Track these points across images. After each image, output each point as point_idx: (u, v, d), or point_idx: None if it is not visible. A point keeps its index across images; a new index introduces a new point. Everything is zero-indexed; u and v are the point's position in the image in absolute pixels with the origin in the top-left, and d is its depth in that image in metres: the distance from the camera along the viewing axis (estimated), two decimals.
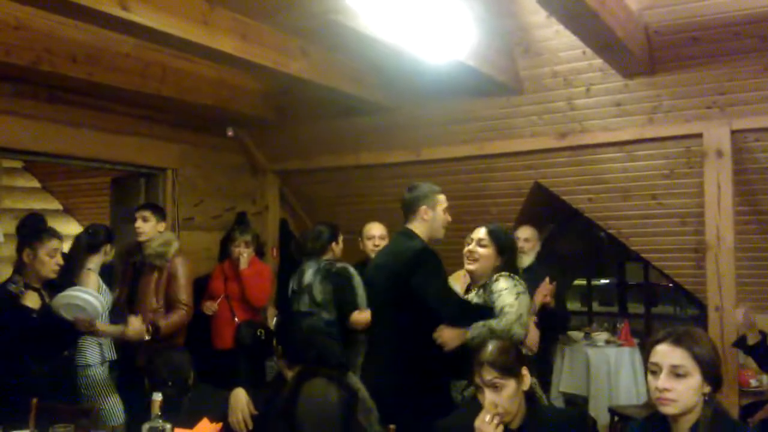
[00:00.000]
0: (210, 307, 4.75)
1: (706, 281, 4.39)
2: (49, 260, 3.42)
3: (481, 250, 3.12)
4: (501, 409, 2.18)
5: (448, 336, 2.95)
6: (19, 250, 3.48)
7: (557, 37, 4.30)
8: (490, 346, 2.31)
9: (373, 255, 4.25)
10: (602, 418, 5.07)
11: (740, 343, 3.60)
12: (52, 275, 3.47)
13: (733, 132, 4.21)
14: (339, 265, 4.34)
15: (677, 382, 1.92)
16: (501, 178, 5.24)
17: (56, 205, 7.64)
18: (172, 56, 4.66)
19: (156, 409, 2.31)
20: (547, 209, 5.62)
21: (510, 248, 3.18)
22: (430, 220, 3.19)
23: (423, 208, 3.19)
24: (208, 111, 5.41)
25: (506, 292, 2.98)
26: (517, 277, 3.09)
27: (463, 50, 3.87)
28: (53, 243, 3.45)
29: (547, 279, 3.58)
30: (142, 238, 3.99)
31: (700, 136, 4.32)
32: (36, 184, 7.54)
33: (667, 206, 4.78)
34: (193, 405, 2.73)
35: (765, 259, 4.63)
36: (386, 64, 4.58)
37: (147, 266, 3.97)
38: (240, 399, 2.72)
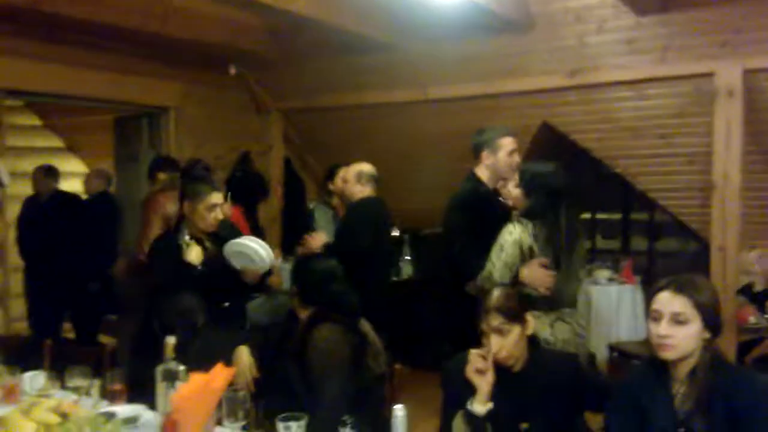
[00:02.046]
0: None
1: (711, 220, 4.41)
2: (208, 215, 3.27)
3: (513, 190, 3.11)
4: (506, 352, 2.25)
5: None
6: (181, 201, 3.37)
7: None
8: (496, 293, 2.35)
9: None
10: (601, 353, 5.20)
11: (746, 290, 3.65)
12: (211, 229, 3.33)
13: (745, 71, 4.14)
14: None
15: (678, 329, 1.96)
16: (509, 116, 5.17)
17: (59, 143, 7.59)
18: None
19: (170, 352, 2.34)
20: (554, 148, 5.58)
21: (537, 189, 3.01)
22: (491, 164, 3.31)
23: (484, 153, 3.32)
24: (211, 49, 5.31)
25: (497, 244, 2.97)
26: (523, 220, 2.99)
27: None
28: (212, 198, 3.28)
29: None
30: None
31: (711, 75, 4.26)
32: (37, 122, 7.47)
33: (676, 145, 4.75)
34: (203, 348, 2.76)
35: None
36: (394, 2, 4.47)
37: None
38: (243, 360, 2.71)
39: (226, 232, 3.42)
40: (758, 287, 3.64)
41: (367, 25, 4.84)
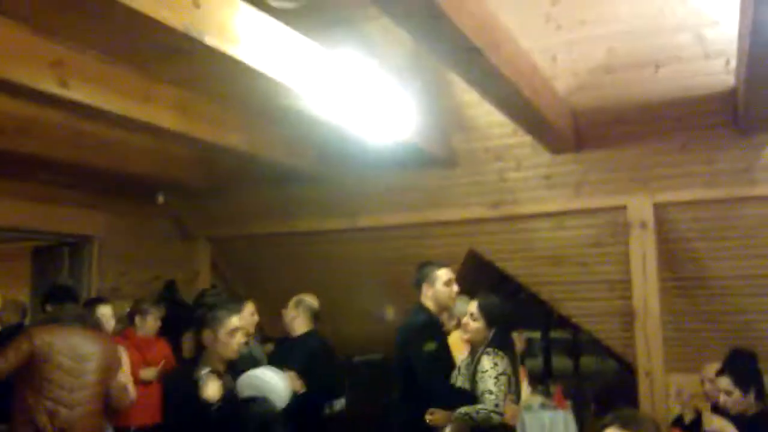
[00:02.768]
0: None
1: (634, 344, 4.58)
2: (231, 340, 3.07)
3: (472, 323, 3.34)
4: None
5: (438, 418, 3.20)
6: (199, 332, 3.14)
7: (489, 115, 4.45)
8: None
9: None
10: None
11: (678, 421, 3.79)
12: (235, 356, 3.12)
13: (655, 205, 4.45)
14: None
15: None
16: (437, 245, 5.33)
17: None
18: (105, 125, 4.55)
19: None
20: (480, 275, 5.74)
21: (499, 321, 3.34)
22: (432, 295, 3.54)
23: (425, 286, 3.56)
24: (139, 178, 5.29)
25: (487, 375, 3.15)
26: (500, 353, 3.23)
27: (403, 130, 3.97)
28: (232, 321, 3.10)
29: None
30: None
31: (624, 208, 4.56)
32: None
33: (596, 273, 4.97)
34: None
35: (689, 322, 4.87)
36: (324, 138, 4.65)
37: None
38: None
39: (243, 363, 3.25)
40: (687, 418, 3.80)
41: (298, 158, 4.97)
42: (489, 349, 3.23)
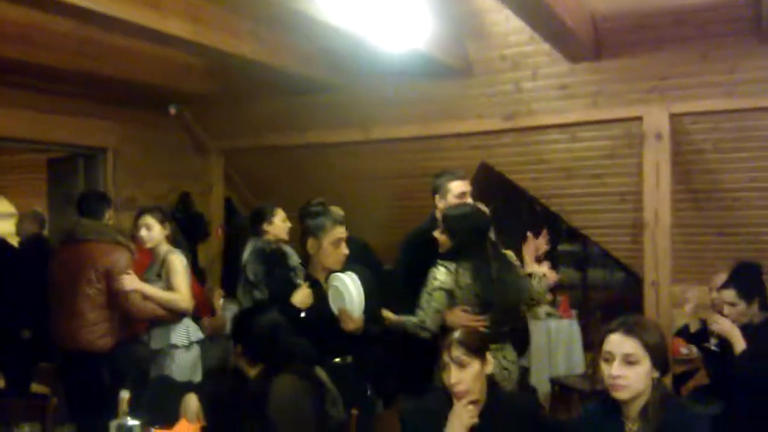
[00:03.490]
0: None
1: (642, 256, 4.62)
2: (335, 250, 3.04)
3: (439, 236, 3.26)
4: (465, 386, 2.29)
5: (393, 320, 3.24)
6: (303, 241, 3.11)
7: (506, 22, 4.37)
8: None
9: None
10: (543, 387, 5.32)
11: (683, 332, 3.87)
12: (338, 267, 3.07)
13: (671, 115, 4.39)
14: (273, 246, 4.21)
15: (629, 369, 2.06)
16: (449, 157, 5.32)
17: None
18: (109, 33, 4.48)
19: (124, 406, 2.28)
20: (493, 187, 5.75)
21: (459, 233, 3.18)
22: (442, 207, 3.48)
23: (437, 197, 3.60)
24: (150, 89, 5.25)
25: (425, 289, 3.12)
26: (448, 265, 3.12)
27: (417, 39, 3.88)
28: (336, 231, 3.05)
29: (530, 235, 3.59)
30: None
31: (640, 119, 4.49)
32: None
33: (608, 185, 4.97)
34: (154, 400, 2.68)
35: (699, 234, 4.91)
36: (337, 46, 4.56)
37: None
38: (191, 407, 2.57)
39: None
40: (693, 328, 3.89)
41: (310, 67, 4.90)
42: (440, 261, 3.15)
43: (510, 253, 3.36)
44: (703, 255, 4.99)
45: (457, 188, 3.52)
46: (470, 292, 3.10)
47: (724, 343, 3.42)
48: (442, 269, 3.10)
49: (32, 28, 4.07)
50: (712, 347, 3.54)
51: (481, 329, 2.99)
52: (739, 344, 3.30)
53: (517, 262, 3.37)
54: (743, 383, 3.22)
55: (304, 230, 3.11)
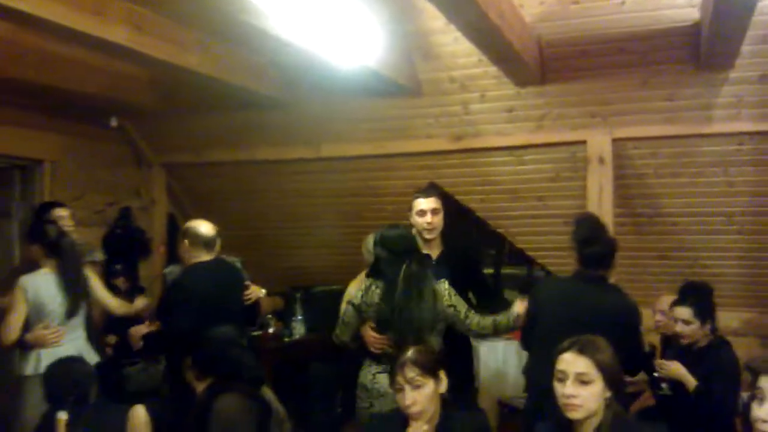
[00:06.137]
0: None
1: None
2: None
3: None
4: (419, 407, 2.27)
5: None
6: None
7: (455, 43, 4.40)
8: (412, 348, 2.44)
9: None
10: (490, 409, 5.31)
11: None
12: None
13: (614, 140, 4.50)
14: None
15: (582, 389, 2.06)
16: (398, 177, 5.33)
17: None
18: (53, 42, 4.34)
19: (62, 430, 2.17)
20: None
21: (378, 252, 3.32)
22: (412, 223, 3.70)
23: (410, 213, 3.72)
24: (91, 100, 5.08)
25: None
26: (366, 280, 3.31)
27: (368, 56, 3.88)
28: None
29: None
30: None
31: (584, 143, 4.59)
32: None
33: (552, 207, 5.05)
34: (93, 422, 2.57)
35: (640, 258, 5.01)
36: (288, 61, 4.52)
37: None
38: (139, 419, 2.58)
39: None
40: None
41: (259, 82, 4.84)
42: (364, 276, 3.38)
43: (440, 286, 3.32)
44: (644, 278, 5.09)
45: (417, 206, 3.63)
46: (374, 311, 3.19)
47: (675, 384, 3.47)
48: (355, 284, 3.30)
49: None
50: (667, 392, 3.56)
51: (383, 349, 3.13)
52: (691, 382, 3.35)
53: (446, 293, 3.32)
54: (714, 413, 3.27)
55: None
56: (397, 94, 4.81)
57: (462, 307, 3.29)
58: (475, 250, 5.52)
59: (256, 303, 3.94)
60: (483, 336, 3.33)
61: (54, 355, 3.22)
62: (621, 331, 2.79)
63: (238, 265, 4.31)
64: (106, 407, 2.66)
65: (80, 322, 3.80)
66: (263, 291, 3.94)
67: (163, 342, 3.71)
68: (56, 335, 3.50)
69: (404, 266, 3.16)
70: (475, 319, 3.29)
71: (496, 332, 3.42)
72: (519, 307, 3.34)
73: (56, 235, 3.78)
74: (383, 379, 2.97)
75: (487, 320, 3.32)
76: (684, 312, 3.56)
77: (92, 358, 3.63)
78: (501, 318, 3.34)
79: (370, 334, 3.18)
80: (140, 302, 4.40)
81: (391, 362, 2.90)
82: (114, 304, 4.13)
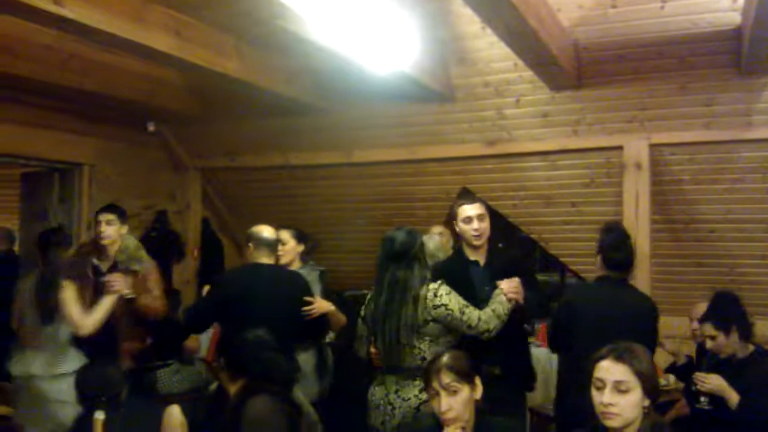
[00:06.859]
0: None
1: None
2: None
3: None
4: (455, 413, 2.25)
5: None
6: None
7: (490, 48, 4.41)
8: (447, 353, 2.41)
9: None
10: None
11: (672, 368, 3.88)
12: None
13: (651, 146, 4.44)
14: None
15: (621, 397, 2.02)
16: (430, 182, 5.33)
17: None
18: (94, 48, 4.44)
19: (98, 429, 2.20)
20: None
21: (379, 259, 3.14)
22: (458, 231, 3.43)
23: (454, 222, 3.45)
24: (130, 105, 5.20)
25: None
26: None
27: (403, 61, 3.89)
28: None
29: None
30: (106, 242, 3.76)
31: (620, 148, 4.54)
32: None
33: (586, 213, 4.99)
34: (129, 422, 2.61)
35: (676, 265, 4.93)
36: (322, 67, 4.55)
37: (119, 270, 3.70)
38: (174, 419, 2.59)
39: None
40: (680, 362, 3.91)
41: (294, 87, 4.89)
42: None
43: (423, 289, 2.97)
44: (681, 285, 5.01)
45: (463, 213, 3.31)
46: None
47: (716, 399, 3.37)
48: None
49: (15, 39, 4.02)
50: (705, 406, 3.46)
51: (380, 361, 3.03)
52: (734, 398, 3.23)
53: (430, 293, 2.96)
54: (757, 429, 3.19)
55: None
56: (431, 100, 4.81)
57: (455, 305, 2.93)
58: (526, 255, 5.40)
59: (323, 318, 3.64)
60: (489, 331, 3.00)
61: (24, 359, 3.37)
62: (644, 325, 3.08)
63: (315, 274, 4.08)
64: (140, 407, 2.69)
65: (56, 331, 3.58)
66: (332, 307, 3.63)
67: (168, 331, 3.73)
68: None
69: (388, 272, 2.97)
70: (475, 314, 2.95)
71: (500, 319, 3.03)
72: (504, 284, 3.11)
73: (46, 243, 3.84)
74: (379, 392, 2.93)
75: (486, 311, 3.02)
76: (706, 328, 3.47)
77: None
78: (494, 305, 3.05)
79: (371, 348, 3.12)
80: None
81: (383, 373, 2.95)
82: (83, 323, 3.49)
